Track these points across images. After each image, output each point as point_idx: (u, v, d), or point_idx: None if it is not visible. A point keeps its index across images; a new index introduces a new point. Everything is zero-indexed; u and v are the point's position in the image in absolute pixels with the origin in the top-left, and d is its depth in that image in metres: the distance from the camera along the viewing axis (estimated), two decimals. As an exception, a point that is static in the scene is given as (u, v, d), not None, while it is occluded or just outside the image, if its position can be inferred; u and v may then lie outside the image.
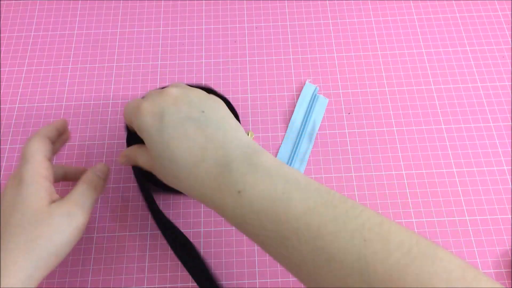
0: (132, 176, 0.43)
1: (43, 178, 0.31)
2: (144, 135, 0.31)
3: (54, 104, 0.47)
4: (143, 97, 0.34)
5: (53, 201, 0.31)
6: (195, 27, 0.52)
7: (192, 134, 0.29)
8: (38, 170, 0.31)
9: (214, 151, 0.29)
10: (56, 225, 0.30)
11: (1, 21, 0.53)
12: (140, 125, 0.31)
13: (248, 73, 0.49)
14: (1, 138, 0.45)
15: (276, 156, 0.44)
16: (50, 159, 0.34)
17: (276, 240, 0.26)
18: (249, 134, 0.45)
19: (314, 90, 0.47)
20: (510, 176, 0.43)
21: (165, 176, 0.31)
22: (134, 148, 0.35)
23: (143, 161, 0.33)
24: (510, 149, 0.44)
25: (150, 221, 0.41)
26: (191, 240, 0.40)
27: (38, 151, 0.32)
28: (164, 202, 0.42)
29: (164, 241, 0.40)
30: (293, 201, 0.26)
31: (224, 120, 0.31)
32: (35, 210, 0.30)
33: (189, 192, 0.30)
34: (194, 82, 0.48)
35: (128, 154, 0.36)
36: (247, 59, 0.50)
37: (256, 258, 0.39)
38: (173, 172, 0.30)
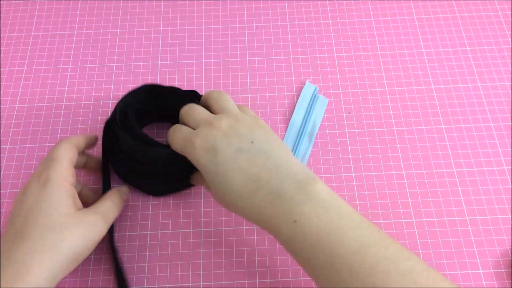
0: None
1: (69, 184, 0.33)
2: (200, 169, 0.32)
3: (54, 104, 0.47)
4: (186, 120, 0.35)
5: (79, 209, 0.33)
6: (195, 27, 0.52)
7: (245, 166, 0.31)
8: (65, 174, 0.32)
9: (268, 180, 0.30)
10: (83, 231, 0.31)
11: (1, 21, 0.53)
12: (195, 161, 0.32)
13: (248, 73, 0.49)
14: (1, 138, 0.45)
15: (276, 156, 0.44)
16: (76, 164, 0.36)
17: (327, 270, 0.27)
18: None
19: (314, 90, 0.47)
20: (510, 176, 0.43)
21: (224, 202, 0.32)
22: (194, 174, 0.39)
23: (201, 182, 0.38)
24: (510, 149, 0.44)
25: (150, 221, 0.41)
26: (191, 240, 0.40)
27: (67, 156, 0.34)
28: (164, 202, 0.42)
29: (164, 241, 0.40)
30: (347, 237, 0.27)
31: (274, 148, 0.32)
32: (63, 214, 0.31)
33: (247, 218, 0.32)
34: (194, 82, 0.48)
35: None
36: (247, 59, 0.50)
37: (256, 258, 0.39)
38: (231, 200, 0.31)
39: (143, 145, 0.36)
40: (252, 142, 0.32)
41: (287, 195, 0.29)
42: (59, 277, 0.30)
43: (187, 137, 0.33)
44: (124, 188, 0.38)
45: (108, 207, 0.35)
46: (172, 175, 0.39)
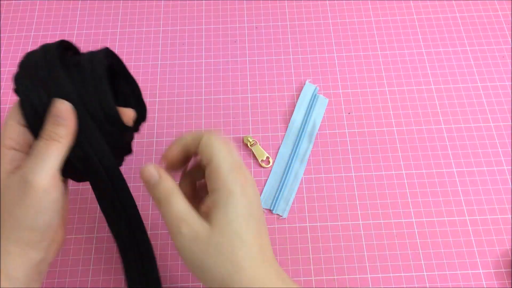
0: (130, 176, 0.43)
1: (6, 148, 0.28)
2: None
3: (54, 104, 0.47)
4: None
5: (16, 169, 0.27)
6: (195, 27, 0.52)
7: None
8: (3, 141, 0.28)
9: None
10: (9, 197, 0.26)
11: (1, 21, 0.53)
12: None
13: (248, 73, 0.49)
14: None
15: (276, 156, 0.44)
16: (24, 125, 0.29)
17: None
18: (249, 139, 0.45)
19: (314, 90, 0.47)
20: (510, 176, 0.43)
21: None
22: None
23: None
24: (510, 149, 0.44)
25: (150, 221, 0.41)
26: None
27: (10, 119, 0.29)
28: (164, 202, 0.42)
29: (165, 241, 0.40)
30: None
31: None
32: None
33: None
34: (194, 82, 0.48)
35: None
36: (247, 59, 0.50)
37: (256, 258, 0.39)
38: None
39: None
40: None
41: (287, 279, 0.27)
42: (28, 255, 0.27)
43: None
44: (57, 107, 0.28)
45: (38, 149, 0.27)
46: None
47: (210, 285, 0.26)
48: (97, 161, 0.29)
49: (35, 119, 0.28)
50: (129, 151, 0.34)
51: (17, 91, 0.29)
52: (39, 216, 0.27)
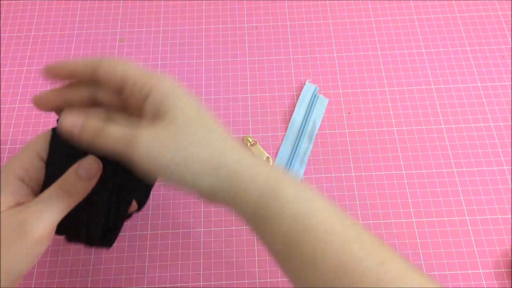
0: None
1: (14, 177, 0.26)
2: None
3: (54, 104, 0.47)
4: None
5: (19, 204, 0.26)
6: (195, 27, 0.52)
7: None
8: (16, 169, 0.26)
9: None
10: (3, 237, 0.24)
11: (1, 21, 0.53)
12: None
13: (248, 73, 0.49)
14: (1, 138, 0.45)
15: (276, 156, 0.44)
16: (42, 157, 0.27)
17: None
18: (249, 139, 0.45)
19: (314, 90, 0.47)
20: (510, 176, 0.43)
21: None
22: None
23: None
24: (510, 149, 0.44)
25: (150, 221, 0.41)
26: (191, 240, 0.40)
27: (33, 145, 0.27)
28: (164, 202, 0.42)
29: (164, 241, 0.40)
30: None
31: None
32: None
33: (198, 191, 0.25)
34: (194, 82, 0.48)
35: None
36: (247, 59, 0.50)
37: (256, 258, 0.39)
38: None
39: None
40: None
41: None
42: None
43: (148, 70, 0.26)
44: (86, 163, 0.27)
45: (48, 196, 0.26)
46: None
47: (193, 184, 0.24)
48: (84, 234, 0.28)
49: (59, 161, 0.27)
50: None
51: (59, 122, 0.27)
52: (25, 263, 0.25)
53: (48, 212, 0.25)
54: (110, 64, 0.27)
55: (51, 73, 0.28)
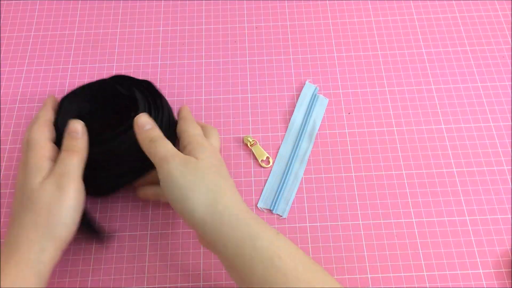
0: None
1: (46, 159, 0.34)
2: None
3: (54, 104, 0.47)
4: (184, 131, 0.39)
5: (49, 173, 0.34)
6: (195, 27, 0.52)
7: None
8: (42, 152, 0.34)
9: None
10: (48, 199, 0.32)
11: (1, 21, 0.53)
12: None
13: (248, 73, 0.49)
14: (1, 138, 0.45)
15: (276, 156, 0.44)
16: (52, 139, 0.37)
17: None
18: (249, 139, 0.45)
19: (314, 90, 0.47)
20: (510, 176, 0.43)
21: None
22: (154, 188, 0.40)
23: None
24: (510, 149, 0.44)
25: (150, 221, 0.41)
26: (191, 240, 0.40)
27: (41, 137, 0.36)
28: (163, 212, 0.42)
29: (164, 241, 0.40)
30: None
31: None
32: (31, 189, 0.33)
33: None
34: (194, 82, 0.48)
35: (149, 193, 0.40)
36: (247, 59, 0.50)
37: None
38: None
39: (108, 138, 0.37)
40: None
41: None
42: (51, 247, 0.32)
43: (199, 138, 0.37)
44: (71, 126, 0.36)
45: (62, 159, 0.34)
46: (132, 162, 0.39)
47: (193, 208, 0.31)
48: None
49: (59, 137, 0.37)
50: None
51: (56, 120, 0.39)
52: (70, 214, 0.33)
53: (70, 170, 0.34)
54: (182, 116, 0.41)
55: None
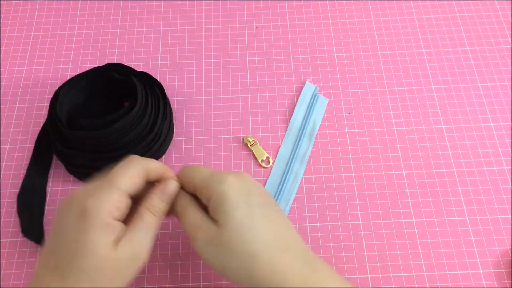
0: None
1: (113, 219, 0.28)
2: (226, 203, 0.29)
3: (54, 104, 0.47)
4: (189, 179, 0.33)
5: (119, 240, 0.28)
6: (195, 27, 0.52)
7: (273, 219, 0.30)
8: (110, 209, 0.27)
9: (296, 241, 0.30)
10: (122, 269, 0.28)
11: (1, 21, 0.53)
12: (224, 195, 0.29)
13: (248, 73, 0.49)
14: (1, 138, 0.45)
15: (276, 156, 0.44)
16: (134, 194, 0.30)
17: None
18: (249, 139, 0.45)
19: (314, 90, 0.47)
20: (510, 176, 0.43)
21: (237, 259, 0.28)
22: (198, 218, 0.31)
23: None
24: (510, 149, 0.44)
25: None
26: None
27: (124, 185, 0.28)
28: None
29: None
30: None
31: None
32: (101, 256, 0.27)
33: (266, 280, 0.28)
34: (194, 82, 0.48)
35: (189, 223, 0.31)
36: (247, 59, 0.50)
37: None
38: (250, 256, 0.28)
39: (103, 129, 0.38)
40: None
41: (316, 264, 0.29)
42: None
43: (215, 172, 0.31)
44: (169, 188, 0.31)
45: (144, 227, 0.29)
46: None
47: (239, 284, 0.28)
48: None
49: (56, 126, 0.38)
50: None
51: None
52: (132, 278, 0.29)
53: (147, 242, 0.29)
54: (185, 173, 0.32)
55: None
